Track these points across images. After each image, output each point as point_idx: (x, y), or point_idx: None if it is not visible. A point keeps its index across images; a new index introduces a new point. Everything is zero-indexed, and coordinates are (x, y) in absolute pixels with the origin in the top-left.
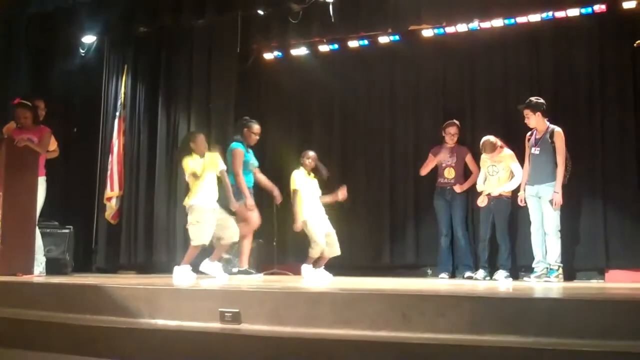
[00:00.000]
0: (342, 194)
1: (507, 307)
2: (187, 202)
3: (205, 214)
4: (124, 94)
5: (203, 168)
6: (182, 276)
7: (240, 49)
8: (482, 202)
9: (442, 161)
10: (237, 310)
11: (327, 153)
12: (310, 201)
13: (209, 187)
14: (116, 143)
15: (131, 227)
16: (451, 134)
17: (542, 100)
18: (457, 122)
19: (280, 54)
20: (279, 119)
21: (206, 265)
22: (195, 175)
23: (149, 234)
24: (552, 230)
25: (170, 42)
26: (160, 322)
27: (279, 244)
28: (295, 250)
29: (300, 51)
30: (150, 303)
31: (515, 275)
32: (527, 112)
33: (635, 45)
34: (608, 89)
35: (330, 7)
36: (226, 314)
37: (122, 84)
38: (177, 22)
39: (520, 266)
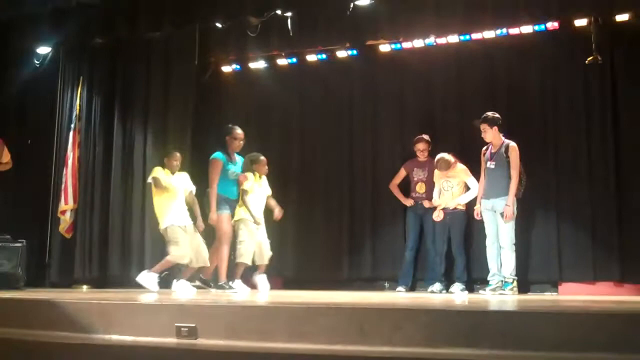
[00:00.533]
0: (277, 214)
1: (462, 320)
2: (160, 226)
3: (180, 232)
4: (79, 105)
5: (170, 186)
6: (150, 281)
7: (199, 62)
8: (437, 216)
9: (413, 176)
10: (193, 324)
11: (285, 166)
12: (254, 206)
13: (178, 206)
14: (71, 155)
15: (86, 241)
16: (420, 149)
17: (498, 115)
18: (425, 137)
19: (238, 67)
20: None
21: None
22: (157, 183)
23: (104, 248)
24: (507, 244)
25: (127, 53)
26: (115, 338)
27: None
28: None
29: (258, 64)
30: (104, 318)
31: (470, 288)
32: (484, 127)
33: (587, 62)
34: (561, 104)
35: (289, 21)
36: (182, 328)
37: (78, 95)
38: (134, 34)
39: (476, 279)
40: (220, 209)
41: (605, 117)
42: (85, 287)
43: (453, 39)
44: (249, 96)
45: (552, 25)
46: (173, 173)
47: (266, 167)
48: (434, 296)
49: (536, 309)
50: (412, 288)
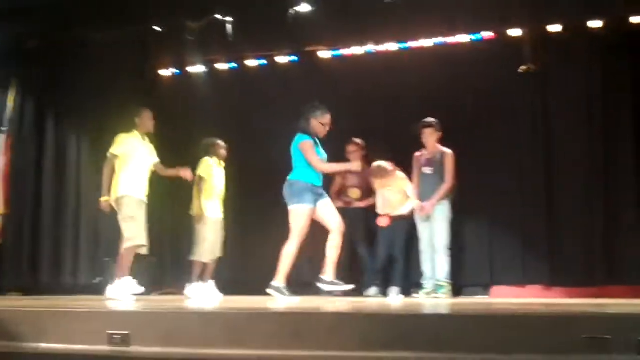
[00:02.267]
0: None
1: (397, 323)
2: (114, 194)
3: (138, 208)
4: (12, 109)
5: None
6: (121, 291)
7: (138, 65)
8: (383, 222)
9: (346, 181)
10: (126, 332)
11: (228, 168)
12: (212, 197)
13: (138, 177)
14: (1, 160)
15: (16, 247)
16: (349, 151)
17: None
18: (357, 140)
19: (178, 71)
20: (178, 136)
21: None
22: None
23: (35, 255)
24: (442, 248)
25: (62, 56)
26: (44, 346)
27: (172, 262)
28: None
29: (198, 69)
30: (34, 326)
31: (406, 292)
32: (430, 131)
33: (520, 70)
34: (494, 112)
35: (229, 26)
36: (114, 336)
37: (10, 98)
38: (70, 36)
39: (412, 283)
40: (303, 200)
41: (537, 124)
42: (15, 294)
43: (391, 46)
44: (188, 100)
45: (487, 34)
46: (146, 134)
47: (223, 151)
48: (370, 300)
49: (468, 312)
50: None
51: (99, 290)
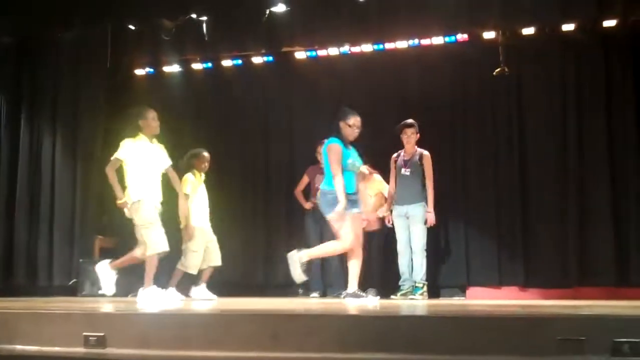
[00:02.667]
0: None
1: (374, 325)
2: (128, 200)
3: (155, 212)
4: None
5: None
6: (150, 298)
7: (110, 63)
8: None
9: (315, 182)
10: (102, 334)
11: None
12: (198, 208)
13: (151, 181)
14: None
15: None
16: (320, 152)
17: None
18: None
19: (152, 70)
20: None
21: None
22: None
23: (9, 256)
24: (419, 249)
25: (35, 53)
26: (19, 348)
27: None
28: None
29: (173, 68)
30: (8, 327)
31: (383, 293)
32: (411, 131)
33: (494, 73)
34: (469, 114)
35: (204, 25)
36: (90, 338)
37: None
38: (43, 34)
39: (389, 284)
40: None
41: (511, 127)
42: None
43: (367, 48)
44: (162, 99)
45: (461, 37)
46: (150, 139)
47: (206, 164)
48: (347, 301)
49: (444, 314)
50: (324, 293)
51: (74, 291)
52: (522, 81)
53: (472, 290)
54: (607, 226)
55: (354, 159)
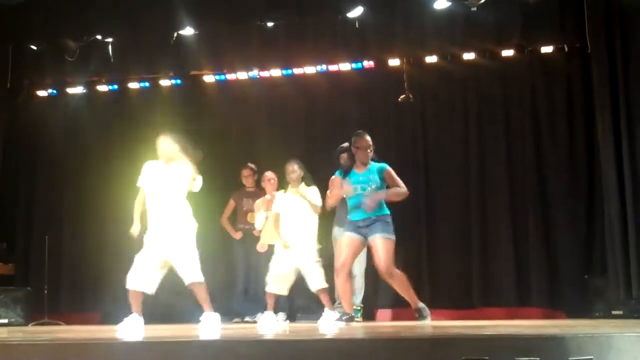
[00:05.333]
0: None
1: (290, 348)
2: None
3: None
4: None
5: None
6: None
7: (11, 84)
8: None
9: (242, 205)
10: None
11: (103, 192)
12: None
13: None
14: None
15: None
16: (244, 175)
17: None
18: (251, 165)
19: (55, 91)
20: (53, 157)
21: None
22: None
23: None
24: (359, 272)
25: None
26: None
27: (50, 292)
28: (68, 298)
29: (77, 90)
30: None
31: (293, 316)
32: (346, 157)
33: (400, 99)
34: (376, 139)
35: (110, 47)
36: None
37: None
38: None
39: (298, 307)
40: (345, 229)
41: (417, 152)
42: None
43: (276, 72)
44: (65, 121)
45: (368, 64)
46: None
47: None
48: (261, 326)
49: (351, 336)
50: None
51: None
52: (425, 106)
53: (380, 313)
54: (508, 249)
55: (354, 184)
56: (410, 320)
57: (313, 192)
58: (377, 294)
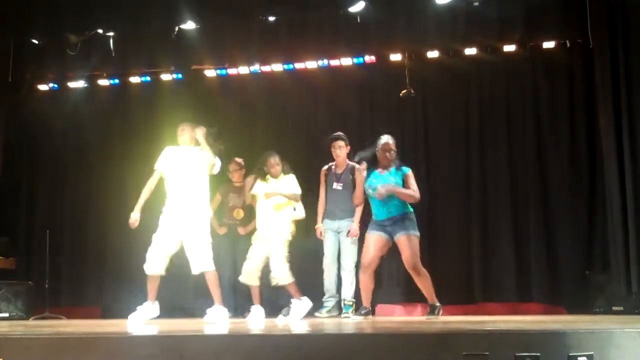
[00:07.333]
0: None
1: (286, 343)
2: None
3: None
4: None
5: None
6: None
7: (12, 78)
8: None
9: (228, 201)
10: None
11: (104, 189)
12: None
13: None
14: None
15: None
16: (231, 170)
17: None
18: (237, 159)
19: (56, 85)
20: (54, 151)
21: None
22: None
23: None
24: (349, 266)
25: None
26: None
27: (51, 286)
28: (69, 292)
29: (78, 84)
30: None
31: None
32: (339, 145)
33: (401, 94)
34: (377, 133)
35: (111, 41)
36: None
37: None
38: None
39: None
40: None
41: (418, 147)
42: None
43: (277, 67)
44: (67, 115)
45: (369, 58)
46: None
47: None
48: (256, 322)
49: (353, 331)
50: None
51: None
52: (426, 101)
53: (380, 308)
54: (509, 244)
55: (371, 183)
56: (409, 316)
57: (291, 180)
58: (376, 289)
